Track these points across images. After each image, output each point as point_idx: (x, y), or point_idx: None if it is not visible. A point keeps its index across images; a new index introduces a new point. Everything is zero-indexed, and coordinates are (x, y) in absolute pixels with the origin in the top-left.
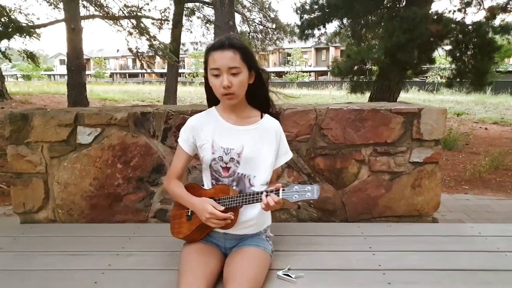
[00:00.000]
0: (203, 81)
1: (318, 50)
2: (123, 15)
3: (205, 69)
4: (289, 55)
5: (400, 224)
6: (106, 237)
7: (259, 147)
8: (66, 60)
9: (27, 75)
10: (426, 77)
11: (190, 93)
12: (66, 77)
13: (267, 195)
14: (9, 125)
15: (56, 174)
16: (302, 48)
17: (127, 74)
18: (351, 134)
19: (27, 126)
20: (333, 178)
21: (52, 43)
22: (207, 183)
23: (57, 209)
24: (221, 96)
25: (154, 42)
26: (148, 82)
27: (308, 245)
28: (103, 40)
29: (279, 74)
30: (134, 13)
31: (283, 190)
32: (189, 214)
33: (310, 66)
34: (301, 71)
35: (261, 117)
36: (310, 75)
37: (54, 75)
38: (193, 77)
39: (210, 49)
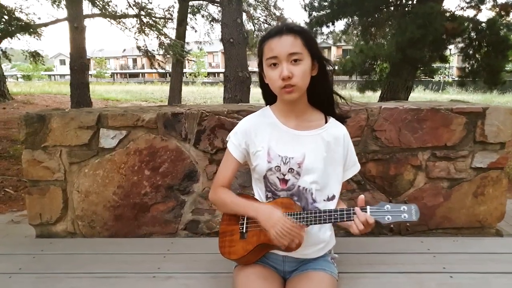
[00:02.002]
0: (204, 81)
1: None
2: (133, 13)
3: (260, 63)
4: None
5: (469, 239)
6: (137, 254)
7: (323, 157)
8: (66, 60)
9: (27, 75)
10: (433, 76)
11: (193, 92)
12: (66, 77)
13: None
14: (24, 127)
15: (76, 181)
16: None
17: (127, 74)
18: (407, 137)
19: (44, 129)
20: (386, 186)
21: (52, 43)
22: (261, 197)
23: (77, 220)
24: (279, 90)
25: (164, 40)
26: (149, 82)
27: (372, 265)
28: (103, 40)
29: None
30: (144, 10)
31: (371, 208)
32: (243, 230)
33: None
34: None
35: (326, 121)
36: None
37: (54, 75)
38: (195, 76)
39: (266, 38)
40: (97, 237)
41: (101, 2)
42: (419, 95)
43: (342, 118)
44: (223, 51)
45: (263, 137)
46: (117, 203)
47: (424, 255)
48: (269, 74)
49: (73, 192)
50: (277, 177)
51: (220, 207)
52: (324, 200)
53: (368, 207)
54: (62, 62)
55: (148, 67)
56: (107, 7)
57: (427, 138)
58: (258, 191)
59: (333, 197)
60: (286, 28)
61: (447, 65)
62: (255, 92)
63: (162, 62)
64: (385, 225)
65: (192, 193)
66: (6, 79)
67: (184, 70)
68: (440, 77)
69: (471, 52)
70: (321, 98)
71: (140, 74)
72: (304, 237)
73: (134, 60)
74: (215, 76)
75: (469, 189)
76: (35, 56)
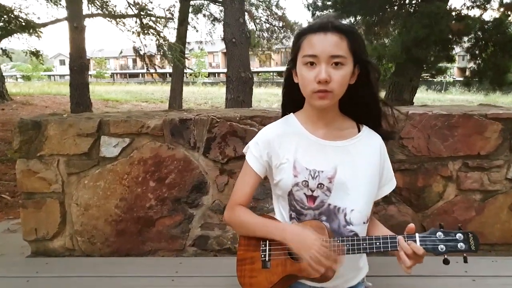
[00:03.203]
0: (205, 81)
1: None
2: (132, 13)
3: (292, 59)
4: None
5: (508, 259)
6: (142, 277)
7: (357, 171)
8: (66, 60)
9: (27, 75)
10: (435, 76)
11: (194, 93)
12: (66, 77)
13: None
14: (18, 135)
15: (74, 194)
16: None
17: (127, 74)
18: (436, 145)
19: (40, 136)
20: (413, 198)
21: (51, 44)
22: (283, 217)
23: (75, 236)
24: (311, 94)
25: (163, 43)
26: (149, 82)
27: None
28: (103, 40)
29: (282, 74)
30: (144, 11)
31: (421, 236)
32: (266, 258)
33: None
34: None
35: (359, 130)
36: None
37: (54, 75)
38: (195, 76)
39: (306, 31)
40: (98, 254)
41: (99, 1)
42: (422, 95)
43: (385, 138)
44: (223, 51)
45: (288, 148)
46: (119, 217)
47: (463, 279)
48: (303, 73)
49: (72, 205)
50: (304, 193)
51: (237, 228)
52: (364, 223)
53: (417, 234)
54: (62, 62)
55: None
56: (107, 7)
57: (458, 146)
58: (281, 209)
59: (369, 217)
60: (332, 25)
61: (448, 65)
62: (258, 93)
63: (159, 66)
64: (437, 256)
65: (201, 206)
66: (5, 80)
67: (185, 70)
68: (441, 77)
69: (477, 52)
70: (356, 109)
71: (140, 74)
72: (342, 263)
73: (134, 60)
74: (215, 76)
75: (505, 202)
76: (35, 54)
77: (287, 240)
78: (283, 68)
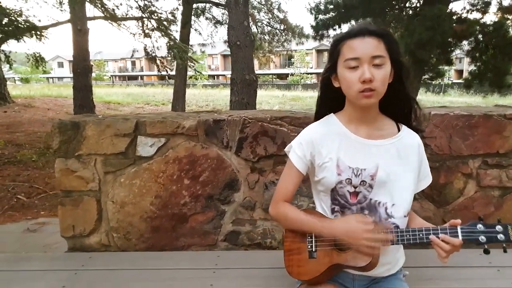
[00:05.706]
0: (205, 83)
1: (319, 52)
2: (137, 15)
3: (331, 66)
4: (291, 57)
5: None
6: (183, 270)
7: (397, 168)
8: (64, 63)
9: (26, 78)
10: (434, 79)
11: (195, 95)
12: (64, 80)
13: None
14: (58, 135)
15: (111, 192)
16: (306, 49)
17: (126, 77)
18: (458, 144)
19: (79, 136)
20: (435, 194)
21: (49, 46)
22: (325, 211)
23: (111, 232)
24: (356, 94)
25: (172, 43)
26: (149, 84)
27: (433, 281)
28: (102, 42)
29: (281, 76)
30: (155, 15)
31: (462, 228)
32: (313, 249)
33: (312, 68)
34: (306, 73)
35: (398, 129)
36: (312, 77)
37: (52, 78)
38: (195, 79)
39: (344, 37)
40: (133, 249)
41: (99, 4)
42: (422, 98)
43: (416, 131)
44: (222, 53)
45: (331, 148)
46: (154, 214)
47: (488, 270)
48: (346, 76)
49: (108, 202)
50: (348, 190)
51: (283, 223)
52: (405, 216)
53: (458, 227)
54: (60, 64)
55: (147, 69)
56: (114, 11)
57: (478, 145)
58: (322, 204)
59: (409, 211)
60: (368, 30)
61: (447, 67)
62: (258, 95)
63: (169, 68)
64: (478, 245)
65: (233, 202)
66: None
67: (188, 72)
68: (439, 79)
69: (477, 54)
70: (394, 107)
71: (139, 76)
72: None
73: (133, 63)
74: (214, 79)
75: None
76: (38, 60)
77: (338, 238)
78: (283, 71)
